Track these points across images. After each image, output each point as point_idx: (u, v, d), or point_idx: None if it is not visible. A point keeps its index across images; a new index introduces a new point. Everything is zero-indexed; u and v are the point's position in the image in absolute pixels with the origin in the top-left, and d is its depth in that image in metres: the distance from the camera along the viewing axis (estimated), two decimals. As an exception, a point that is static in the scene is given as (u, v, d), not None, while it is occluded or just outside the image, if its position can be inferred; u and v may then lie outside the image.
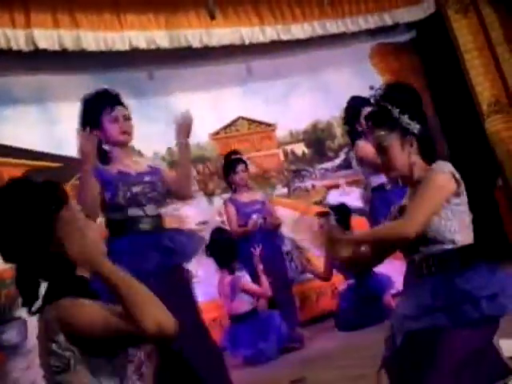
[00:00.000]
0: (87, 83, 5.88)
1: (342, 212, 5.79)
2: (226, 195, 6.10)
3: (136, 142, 6.35)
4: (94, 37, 5.77)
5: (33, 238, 1.69)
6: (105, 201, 3.14)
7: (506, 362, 2.35)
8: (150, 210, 3.23)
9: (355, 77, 7.42)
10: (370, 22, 7.35)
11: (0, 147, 5.53)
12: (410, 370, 2.26)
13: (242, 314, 5.31)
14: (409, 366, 2.27)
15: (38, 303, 1.71)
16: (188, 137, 3.33)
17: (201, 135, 6.85)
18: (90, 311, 1.62)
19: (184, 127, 3.30)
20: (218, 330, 5.89)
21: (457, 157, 7.31)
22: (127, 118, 3.28)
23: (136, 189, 3.18)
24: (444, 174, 2.34)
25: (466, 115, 7.56)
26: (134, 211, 3.17)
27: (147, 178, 3.27)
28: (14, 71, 5.72)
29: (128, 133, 3.28)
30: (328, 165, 7.58)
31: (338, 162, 7.58)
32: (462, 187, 2.35)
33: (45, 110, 6.13)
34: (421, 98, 2.49)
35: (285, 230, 6.03)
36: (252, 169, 7.17)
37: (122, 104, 3.30)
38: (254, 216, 5.51)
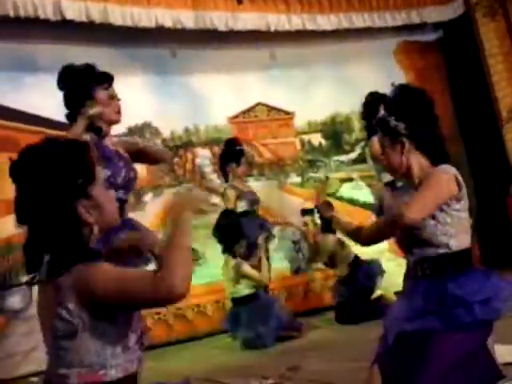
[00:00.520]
0: (111, 56, 5.92)
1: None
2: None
3: (154, 120, 6.46)
4: (120, 11, 5.79)
5: (59, 199, 1.67)
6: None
7: (498, 366, 2.38)
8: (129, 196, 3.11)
9: (378, 72, 7.38)
10: (397, 18, 7.31)
11: (19, 113, 5.58)
12: (401, 369, 2.29)
13: (243, 297, 5.36)
14: (400, 365, 2.30)
15: (43, 271, 1.71)
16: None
17: (219, 117, 6.88)
18: (105, 270, 1.65)
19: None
20: (220, 311, 5.96)
21: (473, 161, 7.31)
22: (119, 99, 3.16)
23: (132, 174, 3.09)
24: (447, 175, 2.36)
25: (485, 120, 7.50)
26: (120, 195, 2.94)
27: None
28: (40, 40, 5.76)
29: (120, 113, 3.15)
30: (343, 158, 7.58)
31: (353, 155, 7.57)
32: (464, 191, 2.37)
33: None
34: (429, 101, 2.49)
35: (294, 220, 6.04)
36: (267, 155, 7.19)
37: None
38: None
